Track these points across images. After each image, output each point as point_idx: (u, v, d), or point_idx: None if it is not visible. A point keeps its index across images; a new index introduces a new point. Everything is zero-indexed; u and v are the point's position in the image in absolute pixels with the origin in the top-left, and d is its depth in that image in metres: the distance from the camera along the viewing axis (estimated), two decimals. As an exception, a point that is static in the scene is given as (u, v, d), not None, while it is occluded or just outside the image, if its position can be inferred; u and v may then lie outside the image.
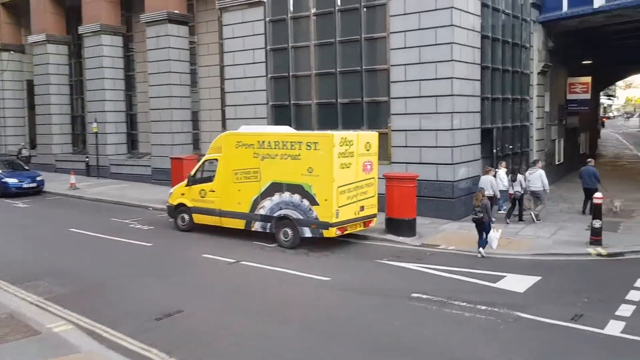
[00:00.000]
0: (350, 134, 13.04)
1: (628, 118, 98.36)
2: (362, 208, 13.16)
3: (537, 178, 15.66)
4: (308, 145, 12.67)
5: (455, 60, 15.65)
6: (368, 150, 13.30)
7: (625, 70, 44.19)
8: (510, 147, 19.52)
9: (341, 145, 12.47)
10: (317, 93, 18.28)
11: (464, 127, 16.21)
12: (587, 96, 24.87)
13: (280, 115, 19.08)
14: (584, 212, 16.46)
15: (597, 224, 12.57)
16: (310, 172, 12.60)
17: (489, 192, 14.46)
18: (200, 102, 23.82)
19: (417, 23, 16.02)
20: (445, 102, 15.73)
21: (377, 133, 13.94)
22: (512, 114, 19.57)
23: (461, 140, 16.10)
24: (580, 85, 24.93)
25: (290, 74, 18.73)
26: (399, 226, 13.83)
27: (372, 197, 13.47)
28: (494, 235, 12.09)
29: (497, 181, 15.53)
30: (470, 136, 16.63)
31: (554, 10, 21.02)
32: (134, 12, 25.78)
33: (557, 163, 23.77)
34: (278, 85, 19.13)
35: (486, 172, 15.68)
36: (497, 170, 16.37)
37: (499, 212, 15.95)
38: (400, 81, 16.45)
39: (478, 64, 16.98)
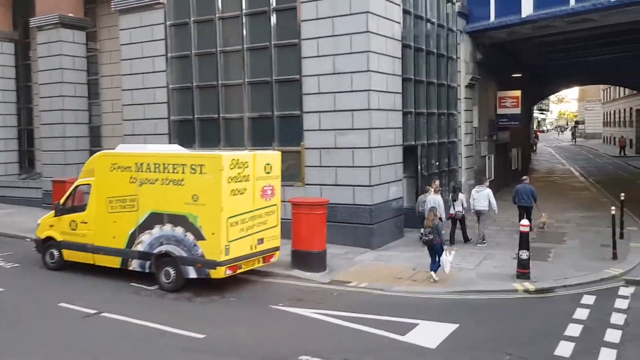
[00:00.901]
0: (244, 154, 11.12)
1: (562, 132, 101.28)
2: (260, 241, 11.22)
3: (484, 197, 14.71)
4: (193, 168, 10.66)
5: (373, 71, 14.08)
6: (268, 172, 11.41)
7: (557, 84, 44.56)
8: (437, 164, 18.13)
9: (232, 168, 10.52)
10: (224, 106, 16.29)
11: (383, 144, 14.63)
12: (517, 111, 24.02)
13: (183, 131, 16.96)
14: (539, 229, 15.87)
15: (524, 254, 11.14)
16: (195, 201, 10.57)
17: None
18: (102, 116, 21.37)
19: (331, 29, 14.37)
20: (361, 116, 14.11)
21: (279, 153, 12.09)
22: (438, 130, 18.22)
23: (380, 160, 14.49)
24: (510, 100, 24.06)
25: (194, 84, 16.67)
26: (307, 260, 11.99)
27: (273, 227, 11.55)
28: (446, 258, 11.14)
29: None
30: (391, 154, 15.06)
31: (481, 20, 19.98)
32: (31, 17, 23.03)
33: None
34: (181, 98, 17.01)
35: (436, 192, 14.50)
36: (429, 189, 15.19)
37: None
38: (314, 93, 14.72)
39: (399, 76, 15.50)
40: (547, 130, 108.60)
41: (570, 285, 10.84)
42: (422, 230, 15.34)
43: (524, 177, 17.46)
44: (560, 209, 19.96)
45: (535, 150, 52.62)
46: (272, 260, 11.71)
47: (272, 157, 11.71)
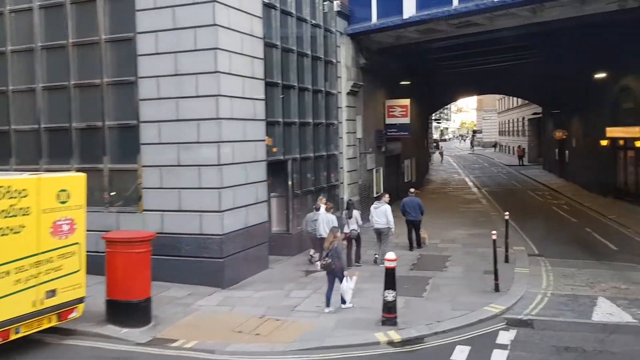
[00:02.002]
0: (20, 178, 8.29)
1: (463, 140, 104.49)
2: (51, 293, 8.43)
3: (382, 214, 13.58)
4: (-60, 200, 7.72)
5: (223, 72, 11.72)
6: (64, 202, 8.65)
7: (454, 92, 44.29)
8: (314, 180, 16.07)
9: (-1, 199, 7.71)
10: (46, 114, 13.25)
11: (239, 160, 12.28)
12: (407, 120, 22.62)
13: (-6, 145, 13.73)
14: (411, 248, 15.06)
15: (389, 295, 9.14)
16: (-57, 245, 7.64)
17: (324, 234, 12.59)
18: None
19: (172, 21, 11.85)
20: (209, 127, 11.69)
21: (82, 175, 9.29)
22: (314, 142, 16.17)
23: (235, 179, 12.12)
24: (400, 109, 22.63)
25: (10, 88, 13.48)
26: (125, 312, 9.32)
27: (73, 273, 8.79)
28: (347, 285, 10.00)
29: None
30: (250, 172, 12.74)
31: (362, 21, 18.29)
32: None
33: (375, 195, 20.95)
34: (-9, 104, 13.77)
35: (328, 209, 13.39)
36: (316, 207, 13.67)
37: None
38: (152, 99, 12.10)
39: (261, 80, 13.25)
40: (450, 139, 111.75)
41: (443, 331, 8.99)
42: (310, 252, 13.72)
43: (412, 190, 16.67)
44: (449, 226, 18.63)
45: (442, 160, 52.61)
46: (72, 315, 8.91)
47: (70, 180, 8.96)
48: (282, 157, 14.39)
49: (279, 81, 14.30)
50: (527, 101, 44.47)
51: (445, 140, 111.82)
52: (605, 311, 9.94)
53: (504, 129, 62.74)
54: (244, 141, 12.52)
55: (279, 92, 14.29)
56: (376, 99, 21.90)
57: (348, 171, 18.24)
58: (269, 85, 13.75)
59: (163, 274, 11.08)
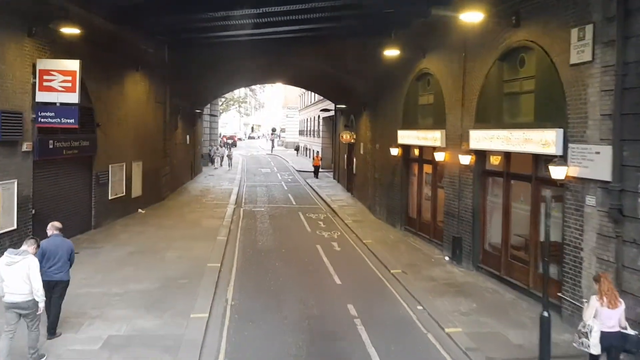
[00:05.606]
0: None
1: (272, 139, 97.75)
2: None
3: (19, 276, 7.04)
4: None
5: None
6: None
7: (243, 78, 34.16)
8: None
9: None
10: None
11: None
12: (74, 97, 12.83)
13: None
14: (51, 335, 8.12)
15: None
16: None
17: None
18: None
19: None
20: None
21: None
22: None
23: None
24: (62, 76, 12.72)
25: None
26: None
27: None
28: None
29: None
30: None
31: None
32: None
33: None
34: None
35: None
36: None
37: None
38: None
39: None
40: (259, 137, 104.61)
41: None
42: None
43: (55, 224, 8.78)
44: (105, 302, 9.43)
45: (230, 163, 42.24)
46: None
47: None
48: None
49: None
50: (322, 97, 37.43)
51: (253, 138, 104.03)
52: None
53: (303, 129, 56.18)
54: None
55: None
56: (4, 53, 11.71)
57: None
58: None
59: None
